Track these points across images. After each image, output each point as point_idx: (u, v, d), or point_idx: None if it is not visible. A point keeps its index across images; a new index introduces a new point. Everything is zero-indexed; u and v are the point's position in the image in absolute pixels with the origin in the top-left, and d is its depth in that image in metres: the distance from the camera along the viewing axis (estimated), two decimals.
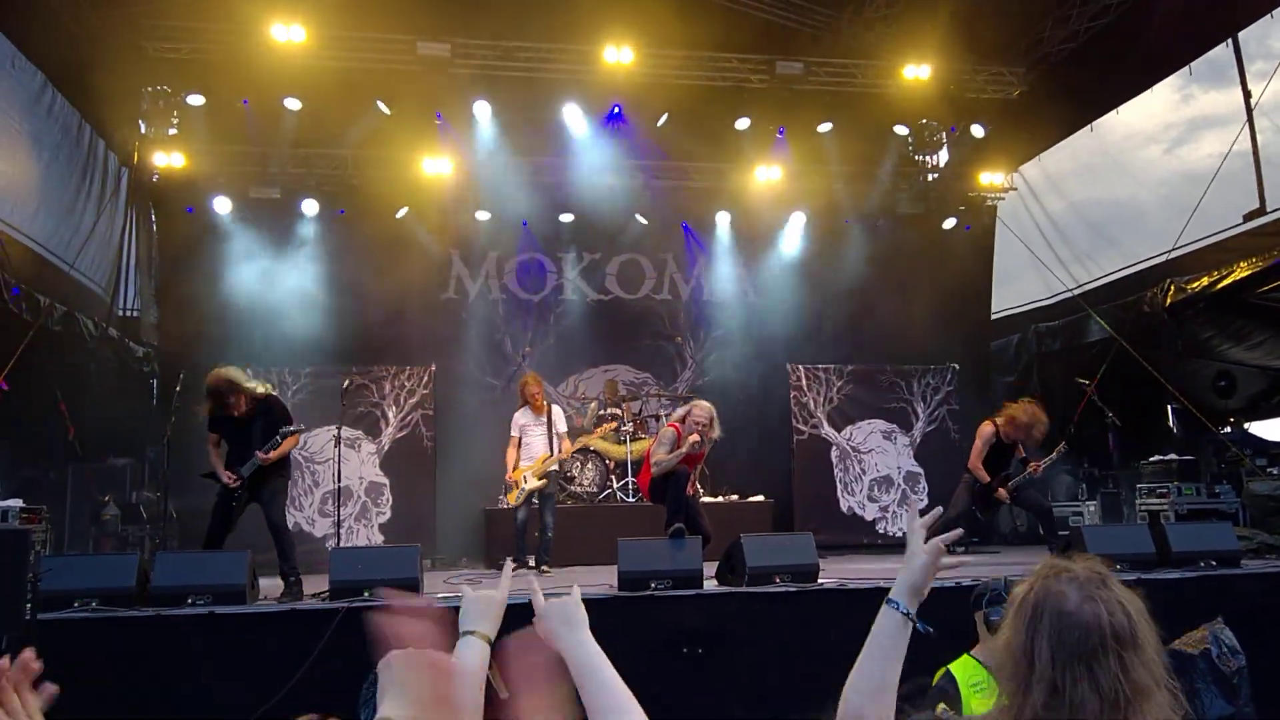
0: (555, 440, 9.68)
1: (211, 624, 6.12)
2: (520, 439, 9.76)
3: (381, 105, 12.44)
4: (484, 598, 2.10)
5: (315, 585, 7.40)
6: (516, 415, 9.90)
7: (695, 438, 8.04)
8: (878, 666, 1.98)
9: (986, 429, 9.14)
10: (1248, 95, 11.80)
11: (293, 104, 12.20)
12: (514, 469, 9.66)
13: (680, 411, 8.43)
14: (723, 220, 14.51)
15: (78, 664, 5.66)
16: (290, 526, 9.84)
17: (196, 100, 12.19)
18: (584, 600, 1.98)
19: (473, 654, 1.99)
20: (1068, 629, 1.85)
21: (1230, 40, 11.98)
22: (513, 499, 9.68)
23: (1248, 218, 11.74)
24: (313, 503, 11.89)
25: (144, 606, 6.27)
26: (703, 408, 8.25)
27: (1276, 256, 10.66)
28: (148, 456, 12.15)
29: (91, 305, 12.19)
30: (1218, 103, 12.38)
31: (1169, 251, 12.44)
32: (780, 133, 13.74)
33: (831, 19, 13.82)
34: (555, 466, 9.82)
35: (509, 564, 2.31)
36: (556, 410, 9.92)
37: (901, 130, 14.36)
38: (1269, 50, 11.51)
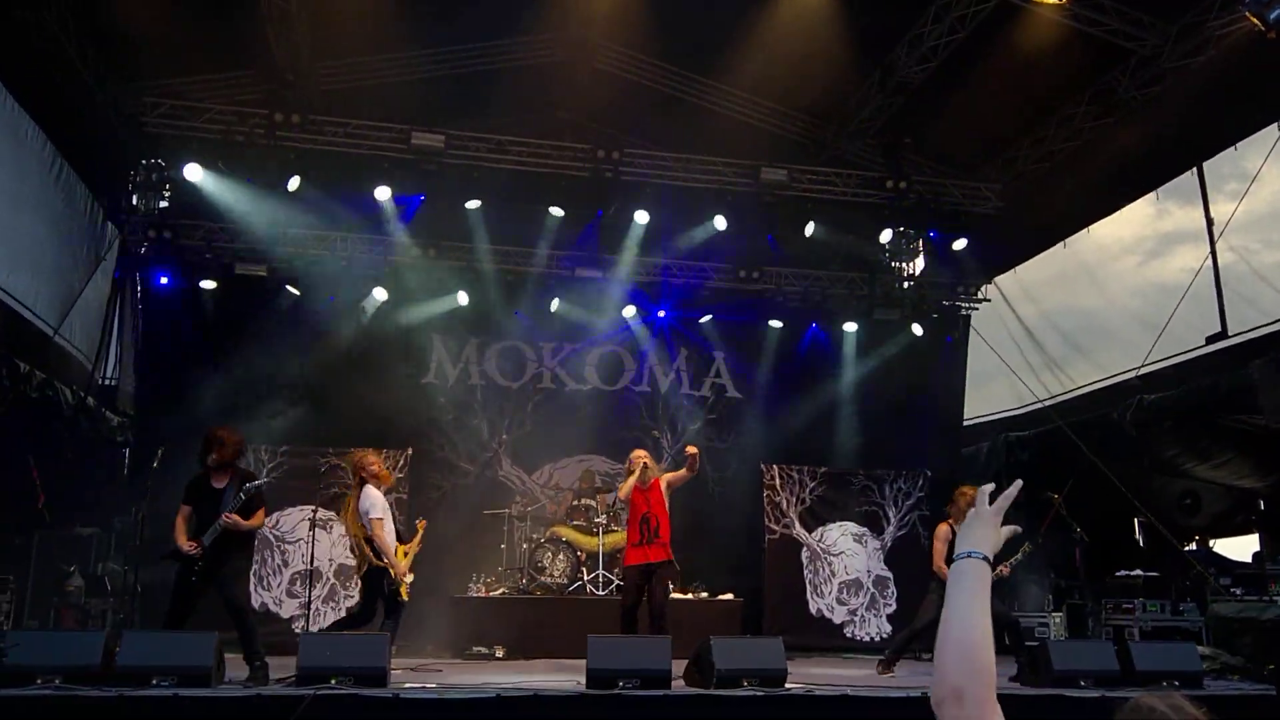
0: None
1: (175, 706, 6.06)
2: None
3: (376, 193, 12.63)
4: None
5: (281, 667, 7.34)
6: (379, 495, 8.43)
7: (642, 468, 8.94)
8: (965, 621, 1.78)
9: (942, 529, 9.36)
10: (1210, 222, 12.21)
11: (292, 184, 12.34)
12: (401, 555, 8.36)
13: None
14: (704, 318, 14.68)
15: None
16: (257, 606, 9.76)
17: (192, 175, 12.27)
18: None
19: None
20: None
21: (1196, 168, 12.45)
22: (405, 592, 8.35)
23: (1210, 340, 12.07)
24: (281, 583, 11.76)
25: (108, 686, 6.21)
26: (637, 453, 9.21)
27: (1237, 380, 10.90)
28: (114, 527, 12.02)
29: (72, 370, 12.21)
30: (1189, 218, 12.70)
31: (1138, 368, 12.72)
32: (769, 239, 14.02)
33: (817, 128, 14.26)
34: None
35: None
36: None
37: (880, 238, 14.63)
38: (1243, 171, 11.66)
